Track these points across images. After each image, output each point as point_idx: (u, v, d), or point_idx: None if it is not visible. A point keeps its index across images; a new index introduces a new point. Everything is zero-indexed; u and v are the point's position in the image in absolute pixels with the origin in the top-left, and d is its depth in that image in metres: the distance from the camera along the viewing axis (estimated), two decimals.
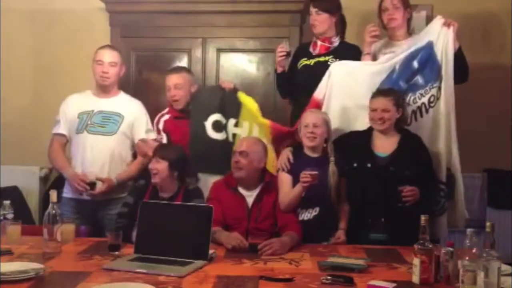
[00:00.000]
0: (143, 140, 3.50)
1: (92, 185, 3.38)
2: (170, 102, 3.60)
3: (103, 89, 3.55)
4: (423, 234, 2.25)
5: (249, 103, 3.51)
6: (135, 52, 4.20)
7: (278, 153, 3.34)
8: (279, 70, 3.59)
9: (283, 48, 3.51)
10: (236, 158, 3.09)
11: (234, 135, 3.50)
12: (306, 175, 2.93)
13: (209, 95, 3.60)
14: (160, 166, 3.08)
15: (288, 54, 3.53)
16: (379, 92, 3.18)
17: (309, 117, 3.13)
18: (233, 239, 2.81)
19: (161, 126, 3.57)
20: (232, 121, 3.51)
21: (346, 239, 2.98)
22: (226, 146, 3.45)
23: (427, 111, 3.33)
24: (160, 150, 3.16)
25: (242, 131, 3.49)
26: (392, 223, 3.01)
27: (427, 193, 3.03)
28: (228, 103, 3.52)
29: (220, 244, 2.82)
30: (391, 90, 3.20)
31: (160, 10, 4.12)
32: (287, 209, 3.05)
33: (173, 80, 3.57)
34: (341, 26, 3.58)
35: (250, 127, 3.49)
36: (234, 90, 3.56)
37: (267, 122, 3.46)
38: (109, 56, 3.51)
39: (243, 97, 3.53)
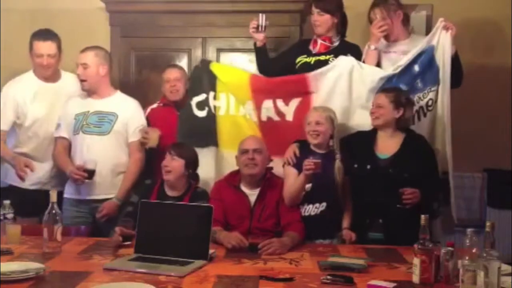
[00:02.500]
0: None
1: (90, 172, 3.36)
2: (167, 93, 3.70)
3: (88, 92, 3.57)
4: (423, 234, 2.24)
5: (222, 71, 3.61)
6: (135, 52, 4.20)
7: (257, 107, 3.46)
8: (259, 44, 3.60)
9: (255, 23, 3.53)
10: (251, 155, 3.09)
11: (215, 107, 3.58)
12: (309, 162, 2.94)
13: (195, 77, 3.70)
14: (176, 164, 3.11)
15: (260, 27, 3.53)
16: (382, 89, 3.20)
17: (312, 115, 3.14)
18: (233, 238, 2.81)
19: (146, 113, 3.66)
20: (211, 94, 3.59)
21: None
22: (209, 120, 3.57)
23: (424, 114, 3.32)
24: (177, 148, 3.18)
25: (220, 103, 3.57)
26: (390, 223, 3.02)
27: (429, 194, 3.02)
28: (205, 78, 3.60)
29: (220, 244, 2.82)
30: (394, 89, 3.20)
31: (160, 10, 4.12)
32: (291, 201, 3.05)
33: (173, 73, 3.73)
34: (342, 25, 3.58)
35: (227, 98, 3.57)
36: (206, 63, 3.66)
37: (246, 75, 3.54)
38: (82, 59, 3.51)
39: (216, 67, 3.62)
